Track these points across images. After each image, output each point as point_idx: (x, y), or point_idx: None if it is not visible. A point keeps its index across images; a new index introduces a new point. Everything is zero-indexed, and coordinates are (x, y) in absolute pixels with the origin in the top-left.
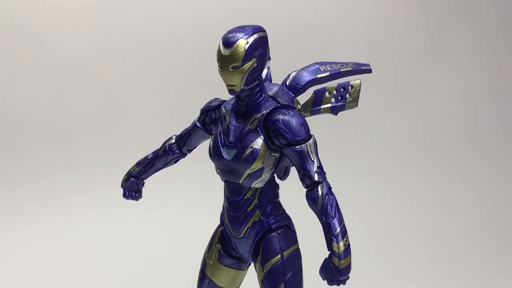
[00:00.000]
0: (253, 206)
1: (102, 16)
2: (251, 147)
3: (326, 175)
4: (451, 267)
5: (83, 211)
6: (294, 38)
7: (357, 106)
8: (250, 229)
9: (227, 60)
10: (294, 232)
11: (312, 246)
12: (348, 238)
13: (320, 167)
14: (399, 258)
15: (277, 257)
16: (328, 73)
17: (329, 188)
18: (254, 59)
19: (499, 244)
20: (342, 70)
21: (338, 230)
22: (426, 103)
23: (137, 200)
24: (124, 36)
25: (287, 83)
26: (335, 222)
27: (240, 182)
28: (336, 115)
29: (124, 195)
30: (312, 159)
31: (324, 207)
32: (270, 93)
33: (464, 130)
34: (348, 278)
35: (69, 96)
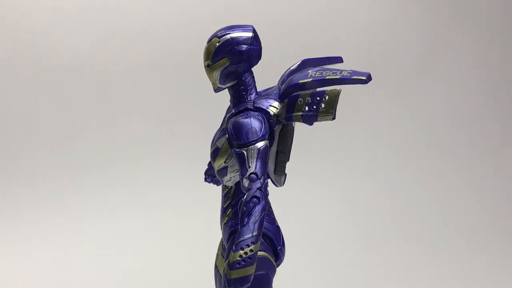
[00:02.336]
0: (227, 203)
1: (102, 17)
2: (216, 145)
3: (261, 184)
4: (451, 267)
5: (83, 211)
6: (294, 38)
7: (333, 118)
8: (225, 225)
9: (203, 57)
10: (268, 240)
11: (311, 248)
12: (251, 252)
13: (255, 173)
14: (399, 258)
15: None
16: (311, 79)
17: (255, 196)
18: (225, 59)
19: (500, 244)
20: (327, 77)
21: (241, 239)
22: (426, 103)
23: (218, 185)
24: (124, 36)
25: (281, 87)
26: (244, 230)
27: (217, 177)
28: (310, 124)
29: (204, 179)
30: (250, 164)
31: (242, 213)
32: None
33: (465, 130)
34: None
35: (69, 97)
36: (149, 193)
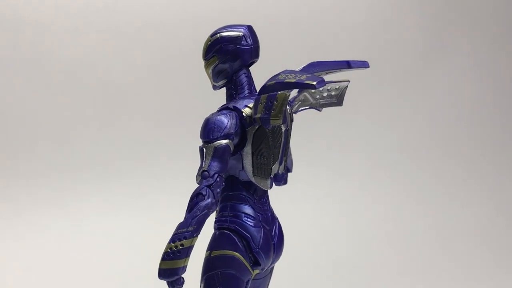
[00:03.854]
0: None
1: (102, 16)
2: None
3: (210, 183)
4: (452, 267)
5: (83, 211)
6: (293, 38)
7: (282, 123)
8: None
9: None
10: (245, 241)
11: (311, 249)
12: (181, 246)
13: (207, 171)
14: (399, 258)
15: (207, 253)
16: (274, 82)
17: (200, 193)
18: (214, 57)
19: (501, 244)
20: (286, 80)
21: (175, 232)
22: (426, 102)
23: (280, 184)
24: (125, 36)
25: None
26: (181, 224)
27: None
28: (266, 127)
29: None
30: (205, 162)
31: (186, 208)
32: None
33: (465, 130)
34: (172, 285)
35: (69, 96)
36: (150, 193)
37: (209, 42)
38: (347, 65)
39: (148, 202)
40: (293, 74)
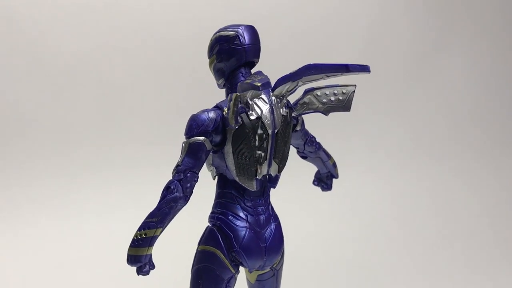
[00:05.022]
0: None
1: (102, 16)
2: None
3: (181, 178)
4: (452, 267)
5: (83, 211)
6: (293, 38)
7: (235, 123)
8: None
9: None
10: (224, 237)
11: (312, 248)
12: (145, 235)
13: (178, 166)
14: (400, 257)
15: (197, 246)
16: (240, 82)
17: (169, 186)
18: (214, 56)
19: (500, 244)
20: (245, 81)
21: (144, 220)
22: (427, 103)
23: (323, 190)
24: (125, 36)
25: None
26: (149, 213)
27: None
28: (227, 126)
29: (312, 181)
30: (180, 157)
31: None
32: None
33: (465, 130)
34: (137, 272)
35: (69, 97)
36: (149, 193)
37: (211, 42)
38: (346, 69)
39: (148, 202)
40: (256, 76)
